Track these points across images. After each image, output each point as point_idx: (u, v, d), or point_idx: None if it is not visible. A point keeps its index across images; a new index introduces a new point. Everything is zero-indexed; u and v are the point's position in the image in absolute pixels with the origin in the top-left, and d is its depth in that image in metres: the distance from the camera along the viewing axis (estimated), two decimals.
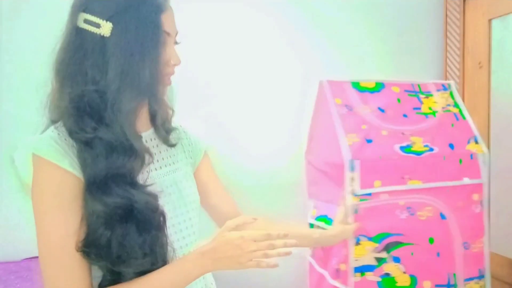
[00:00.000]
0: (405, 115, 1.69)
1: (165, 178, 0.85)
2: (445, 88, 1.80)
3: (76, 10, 0.76)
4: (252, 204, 1.87)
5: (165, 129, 0.90)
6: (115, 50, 0.73)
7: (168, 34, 0.79)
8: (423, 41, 2.17)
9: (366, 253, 1.51)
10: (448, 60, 2.12)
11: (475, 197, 1.61)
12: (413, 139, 1.63)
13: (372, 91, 1.72)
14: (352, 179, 1.51)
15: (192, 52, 1.67)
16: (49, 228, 0.71)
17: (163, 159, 0.88)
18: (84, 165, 0.72)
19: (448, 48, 2.11)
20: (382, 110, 1.68)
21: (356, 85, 1.72)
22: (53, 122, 0.77)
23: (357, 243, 1.51)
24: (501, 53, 1.87)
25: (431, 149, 1.61)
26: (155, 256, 0.75)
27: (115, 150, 0.73)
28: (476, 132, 1.69)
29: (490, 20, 1.89)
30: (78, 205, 0.72)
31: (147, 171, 0.79)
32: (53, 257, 0.71)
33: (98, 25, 0.73)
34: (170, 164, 0.88)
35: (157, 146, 0.88)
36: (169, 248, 0.79)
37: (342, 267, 1.55)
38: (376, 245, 1.52)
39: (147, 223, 0.74)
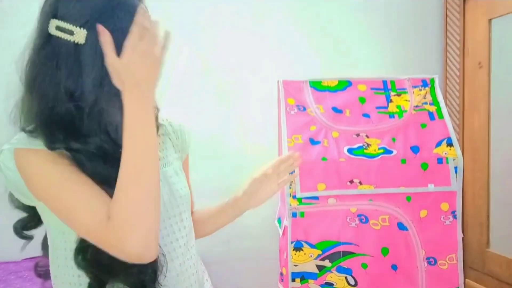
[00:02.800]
0: (366, 115, 1.60)
1: None
2: (425, 84, 1.69)
3: (47, 15, 0.73)
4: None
5: None
6: (90, 58, 0.70)
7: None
8: (423, 41, 2.17)
9: (308, 260, 1.45)
10: (448, 60, 2.12)
11: (444, 206, 1.47)
12: (369, 140, 1.53)
13: (334, 90, 1.66)
14: (291, 181, 1.44)
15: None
16: (74, 199, 0.69)
17: None
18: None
19: (448, 48, 2.11)
20: (339, 110, 1.60)
21: (315, 85, 1.66)
22: (26, 130, 0.75)
23: (298, 249, 1.45)
24: (501, 53, 1.86)
25: (389, 152, 1.49)
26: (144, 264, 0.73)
27: (97, 159, 0.71)
28: (452, 133, 1.54)
29: (490, 20, 1.88)
30: (83, 175, 0.71)
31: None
32: (81, 205, 0.69)
33: (71, 32, 0.71)
34: (159, 159, 0.86)
35: None
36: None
37: (284, 271, 1.52)
38: (319, 252, 1.44)
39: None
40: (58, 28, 0.71)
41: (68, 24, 0.71)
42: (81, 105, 0.71)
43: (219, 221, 1.04)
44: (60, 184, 0.70)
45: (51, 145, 0.71)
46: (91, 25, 0.70)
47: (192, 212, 1.05)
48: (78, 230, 0.71)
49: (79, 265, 0.71)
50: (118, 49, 0.67)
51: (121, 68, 0.67)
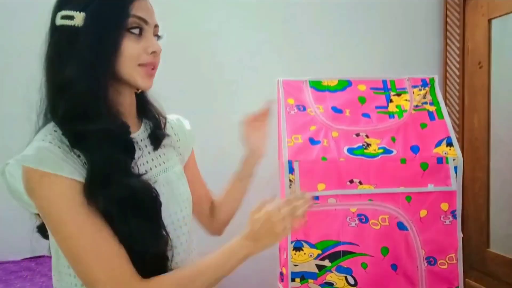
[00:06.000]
0: (366, 115, 1.60)
1: (156, 179, 0.84)
2: (425, 84, 1.68)
3: (55, 11, 0.77)
4: None
5: (156, 135, 0.89)
6: (86, 38, 0.74)
7: (145, 21, 0.78)
8: (423, 41, 2.17)
9: (308, 259, 1.45)
10: (448, 60, 2.12)
11: (444, 206, 1.46)
12: (369, 140, 1.52)
13: (334, 90, 1.66)
14: (291, 181, 1.45)
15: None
16: (81, 236, 0.69)
17: (152, 160, 0.87)
18: (87, 163, 0.72)
19: (448, 48, 2.11)
20: (339, 110, 1.60)
21: (315, 84, 1.66)
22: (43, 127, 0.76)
23: (298, 249, 1.45)
24: (501, 53, 1.86)
25: (389, 152, 1.49)
26: (164, 243, 0.77)
27: (107, 142, 0.73)
28: (451, 133, 1.54)
29: (490, 20, 1.88)
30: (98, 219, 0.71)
31: (146, 177, 0.80)
32: (100, 252, 0.70)
33: (72, 18, 0.74)
34: (160, 164, 0.88)
35: (146, 146, 0.87)
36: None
37: (284, 270, 1.52)
38: (319, 251, 1.44)
39: (150, 210, 0.76)
40: (63, 17, 0.75)
41: (70, 11, 0.75)
42: (83, 89, 0.73)
43: (234, 195, 1.09)
44: (76, 229, 0.69)
45: (62, 128, 0.73)
46: (88, 7, 0.74)
47: (212, 202, 1.11)
48: (86, 281, 0.71)
49: None
50: (107, 28, 0.74)
51: (252, 220, 0.81)
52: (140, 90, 0.87)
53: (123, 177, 0.73)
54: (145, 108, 0.91)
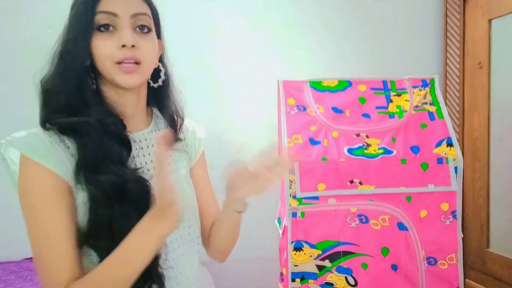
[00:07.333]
0: (366, 115, 1.61)
1: None
2: (425, 84, 1.69)
3: None
4: None
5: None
6: (60, 42, 0.76)
7: (114, 14, 0.74)
8: (423, 41, 2.17)
9: (308, 260, 1.45)
10: (448, 60, 2.12)
11: (444, 207, 1.47)
12: (369, 140, 1.53)
13: (334, 90, 1.67)
14: (291, 181, 1.45)
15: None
16: (40, 224, 0.69)
17: None
18: (78, 151, 0.72)
19: (448, 48, 2.11)
20: (339, 111, 1.61)
21: (315, 85, 1.67)
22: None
23: (298, 249, 1.45)
24: (501, 53, 1.86)
25: (389, 152, 1.50)
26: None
27: (96, 132, 0.72)
28: (452, 133, 1.55)
29: (490, 20, 1.88)
30: (66, 203, 0.71)
31: (141, 171, 0.78)
32: (46, 249, 0.70)
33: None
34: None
35: (152, 146, 0.85)
36: None
37: (284, 271, 1.52)
38: (319, 252, 1.45)
39: (141, 203, 0.73)
40: None
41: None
42: (56, 88, 0.74)
43: (222, 230, 0.92)
44: (43, 224, 0.69)
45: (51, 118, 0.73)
46: (70, 14, 0.76)
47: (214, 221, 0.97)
48: (33, 246, 0.71)
49: (95, 244, 0.72)
50: (76, 26, 0.74)
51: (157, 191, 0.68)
52: (157, 85, 0.86)
53: (114, 166, 0.72)
54: (163, 105, 0.89)
